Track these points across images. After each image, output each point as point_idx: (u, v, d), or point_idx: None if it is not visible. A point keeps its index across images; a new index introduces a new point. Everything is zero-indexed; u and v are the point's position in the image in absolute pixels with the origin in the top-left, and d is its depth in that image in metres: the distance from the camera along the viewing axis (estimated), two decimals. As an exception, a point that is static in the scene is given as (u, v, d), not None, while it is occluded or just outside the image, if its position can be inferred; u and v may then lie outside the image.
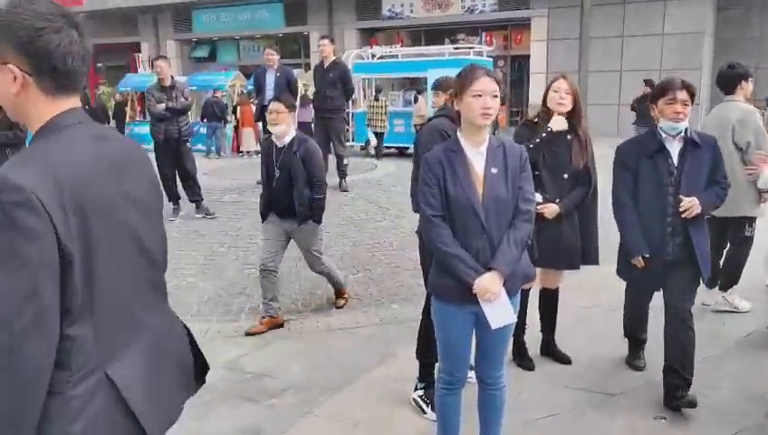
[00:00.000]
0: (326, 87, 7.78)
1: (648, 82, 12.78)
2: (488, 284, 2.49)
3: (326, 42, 8.08)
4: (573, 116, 3.80)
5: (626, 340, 4.14)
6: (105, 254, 1.43)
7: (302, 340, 4.69)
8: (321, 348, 4.50)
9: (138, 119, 19.11)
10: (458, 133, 2.67)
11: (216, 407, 3.65)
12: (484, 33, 20.91)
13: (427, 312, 3.56)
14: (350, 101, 10.57)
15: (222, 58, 25.23)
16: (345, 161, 8.13)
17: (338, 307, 5.24)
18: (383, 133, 13.61)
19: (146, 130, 18.05)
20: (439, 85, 4.26)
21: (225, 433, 3.40)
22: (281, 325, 4.85)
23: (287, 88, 8.20)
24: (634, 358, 4.05)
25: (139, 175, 1.60)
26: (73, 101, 1.49)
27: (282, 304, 5.29)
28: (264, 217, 4.96)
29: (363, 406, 3.63)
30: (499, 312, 2.55)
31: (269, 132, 5.09)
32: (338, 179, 8.16)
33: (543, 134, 3.71)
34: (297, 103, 8.63)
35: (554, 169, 3.74)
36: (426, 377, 3.56)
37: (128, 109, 19.10)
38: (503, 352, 2.77)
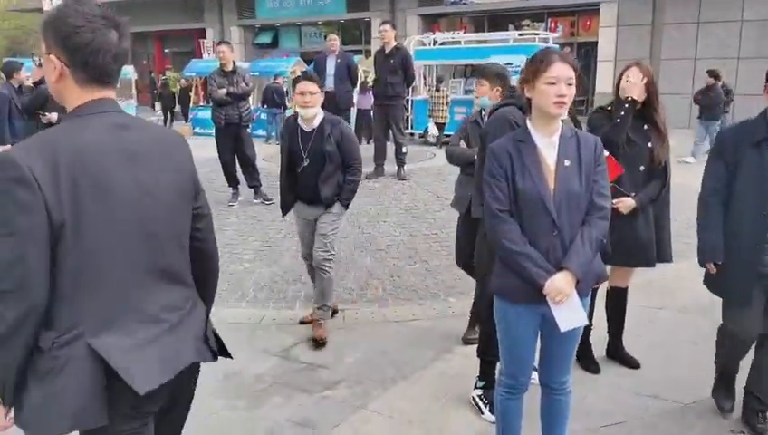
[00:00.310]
0: (387, 73, 7.65)
1: (711, 73, 12.09)
2: (561, 285, 2.32)
3: (387, 27, 7.94)
4: (649, 105, 3.55)
5: (698, 348, 3.88)
6: (98, 231, 1.56)
7: (356, 331, 4.61)
8: (375, 340, 4.40)
9: (201, 104, 19.47)
10: (528, 122, 2.50)
11: (270, 396, 3.61)
12: (549, 19, 20.28)
13: (489, 309, 3.42)
14: (410, 89, 10.38)
15: (284, 44, 25.40)
16: (404, 149, 8.00)
17: (320, 340, 4.27)
18: (444, 124, 13.38)
19: (209, 114, 18.55)
20: (482, 72, 4.10)
21: (278, 423, 3.35)
22: (335, 313, 4.75)
23: (347, 74, 8.13)
24: (723, 396, 3.36)
25: (157, 165, 1.69)
26: (105, 93, 1.66)
27: (336, 294, 5.23)
28: (286, 208, 4.50)
29: (418, 403, 3.52)
30: (569, 314, 2.38)
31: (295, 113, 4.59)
32: (396, 167, 8.05)
33: (626, 105, 3.47)
34: (356, 90, 8.60)
35: (631, 161, 3.50)
36: (486, 376, 3.42)
37: (192, 94, 19.45)
38: (570, 356, 2.60)
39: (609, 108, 3.68)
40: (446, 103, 13.36)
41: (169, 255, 1.74)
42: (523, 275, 2.38)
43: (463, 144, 4.28)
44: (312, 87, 4.23)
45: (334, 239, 4.47)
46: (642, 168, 3.56)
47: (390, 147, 8.23)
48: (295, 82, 4.41)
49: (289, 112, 16.55)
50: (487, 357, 3.42)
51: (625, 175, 3.49)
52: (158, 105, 22.45)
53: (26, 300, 1.50)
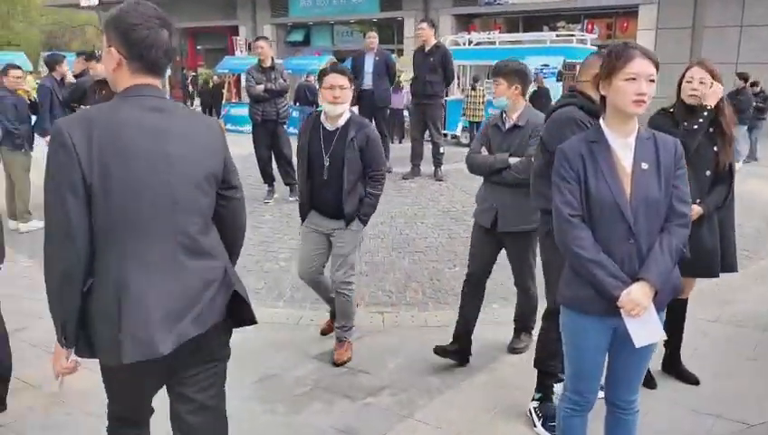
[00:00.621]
0: (426, 72, 7.49)
1: (741, 76, 11.76)
2: (638, 297, 2.16)
3: (425, 25, 7.78)
4: (715, 107, 3.35)
5: (759, 365, 3.67)
6: (123, 195, 1.80)
7: (396, 335, 4.48)
8: (417, 345, 4.26)
9: (233, 100, 19.55)
10: (602, 121, 2.34)
11: (311, 401, 3.50)
12: (586, 21, 19.95)
13: (547, 318, 3.26)
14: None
15: (316, 42, 25.40)
16: (441, 150, 7.84)
17: (338, 364, 3.95)
18: (479, 123, 13.19)
19: (241, 111, 18.57)
20: (498, 71, 3.76)
21: (320, 430, 3.23)
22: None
23: (385, 71, 7.99)
24: None
25: (184, 144, 1.90)
26: (150, 81, 1.91)
27: (374, 296, 5.11)
28: (304, 216, 4.07)
29: (466, 413, 3.37)
30: (646, 329, 2.21)
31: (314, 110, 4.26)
32: (433, 168, 7.89)
33: (705, 112, 3.29)
34: (391, 88, 8.46)
35: (697, 166, 3.30)
36: (544, 388, 3.26)
37: (224, 91, 19.53)
38: (641, 373, 2.43)
39: (672, 110, 3.50)
40: (482, 103, 13.17)
41: (191, 225, 1.93)
42: (595, 284, 2.22)
43: (484, 151, 3.84)
44: (343, 80, 3.75)
45: (355, 259, 4.08)
46: (708, 172, 3.38)
47: (427, 147, 8.08)
48: (322, 75, 3.89)
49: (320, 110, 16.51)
50: (545, 368, 3.26)
51: (691, 180, 3.29)
52: (196, 101, 22.63)
53: (71, 249, 1.79)
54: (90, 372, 3.62)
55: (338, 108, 3.75)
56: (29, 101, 7.16)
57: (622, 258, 2.22)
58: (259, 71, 7.24)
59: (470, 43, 15.39)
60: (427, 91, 7.53)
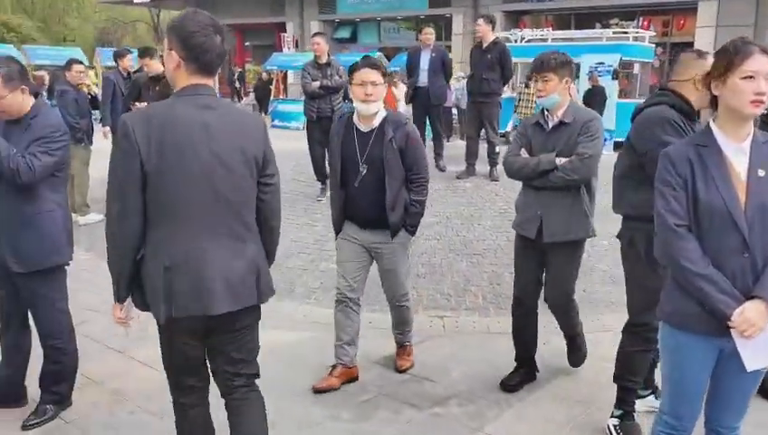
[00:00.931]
0: (483, 69, 7.30)
1: None
2: (753, 316, 1.98)
3: (482, 21, 7.59)
4: None
5: None
6: (174, 182, 2.10)
7: (458, 341, 4.33)
8: (481, 353, 4.12)
9: (281, 97, 19.64)
10: (712, 124, 2.15)
11: (376, 409, 3.38)
12: (641, 18, 19.36)
13: (628, 331, 3.08)
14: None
15: (363, 39, 25.32)
16: (497, 149, 7.64)
17: (401, 370, 3.80)
18: (531, 121, 12.91)
19: (289, 108, 18.68)
20: (545, 65, 3.30)
21: (387, 440, 3.12)
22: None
23: (441, 68, 7.83)
24: None
25: (229, 139, 2.18)
26: (205, 81, 2.19)
27: (433, 299, 4.98)
28: (338, 229, 3.70)
29: (538, 428, 3.22)
30: (759, 351, 2.03)
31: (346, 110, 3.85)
32: (488, 168, 7.70)
33: None
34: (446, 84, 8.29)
35: None
36: (624, 404, 3.08)
37: (272, 87, 19.63)
38: (748, 398, 2.24)
39: None
40: (535, 101, 12.88)
41: (233, 210, 2.20)
42: (703, 301, 2.04)
43: (524, 153, 3.43)
44: (375, 76, 3.36)
45: (407, 274, 3.75)
46: None
47: (482, 146, 7.89)
48: (352, 70, 3.46)
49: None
50: (625, 384, 3.08)
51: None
52: (249, 97, 22.88)
53: (132, 220, 2.12)
54: (153, 371, 3.58)
55: (371, 106, 3.37)
56: (89, 96, 7.26)
57: (734, 273, 2.04)
58: (315, 67, 7.16)
59: (522, 39, 15.06)
60: (484, 88, 7.34)
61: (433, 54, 7.77)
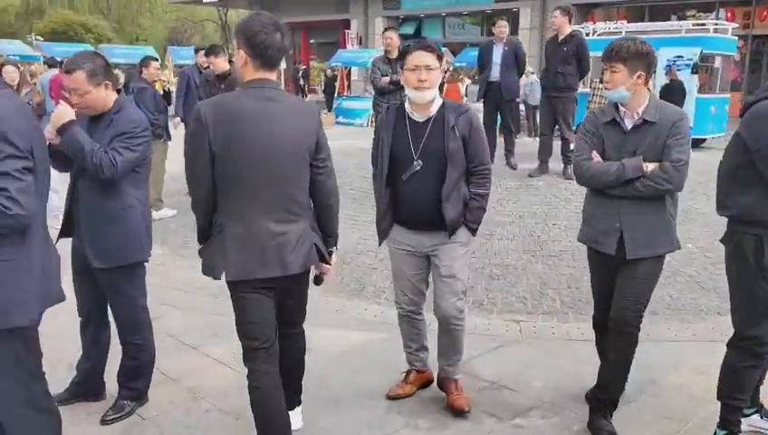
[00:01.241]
0: (559, 63, 7.02)
1: None
2: None
3: (558, 13, 7.31)
4: None
5: None
6: (237, 163, 2.43)
7: (537, 347, 4.13)
8: (562, 361, 3.91)
9: (345, 93, 19.69)
10: None
11: (455, 418, 3.23)
12: (721, 10, 18.42)
13: (733, 345, 2.83)
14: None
15: (428, 35, 25.02)
16: (572, 146, 7.33)
17: (461, 411, 3.23)
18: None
19: (353, 104, 18.71)
20: (615, 54, 2.85)
21: (468, 451, 2.97)
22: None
23: (514, 63, 7.59)
24: None
25: (287, 127, 2.49)
26: (268, 75, 2.49)
27: (508, 303, 4.79)
28: (385, 233, 3.24)
29: (631, 446, 3.00)
30: None
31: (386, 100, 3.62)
32: (562, 165, 7.43)
33: None
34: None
35: None
36: (729, 424, 2.84)
37: (337, 84, 19.70)
38: None
39: None
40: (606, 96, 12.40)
41: (287, 188, 2.53)
42: None
43: (596, 156, 2.96)
44: (430, 59, 2.98)
45: (466, 280, 3.25)
46: None
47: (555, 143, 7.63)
48: (404, 54, 3.07)
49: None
50: (732, 401, 2.83)
51: None
52: (318, 95, 23.21)
53: (201, 188, 2.51)
54: (228, 369, 3.53)
55: (426, 93, 3.00)
56: (162, 92, 7.41)
57: None
58: (385, 62, 7.05)
59: (594, 33, 14.54)
60: (559, 83, 7.07)
61: (506, 48, 7.55)
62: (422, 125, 3.07)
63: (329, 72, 20.59)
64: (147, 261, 3.17)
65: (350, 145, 9.48)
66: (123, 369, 3.23)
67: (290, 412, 2.77)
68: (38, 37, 28.48)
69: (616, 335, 3.02)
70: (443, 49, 15.40)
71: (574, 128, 12.46)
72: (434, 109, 3.07)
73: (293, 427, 2.79)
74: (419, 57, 2.98)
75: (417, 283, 3.26)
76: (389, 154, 3.09)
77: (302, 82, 25.36)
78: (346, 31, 24.11)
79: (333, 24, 26.18)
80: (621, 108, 2.94)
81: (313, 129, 2.57)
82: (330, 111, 19.31)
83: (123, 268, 3.02)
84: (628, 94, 2.87)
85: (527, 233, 5.95)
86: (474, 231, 3.16)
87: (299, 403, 3.06)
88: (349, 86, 20.61)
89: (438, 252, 3.12)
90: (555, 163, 7.65)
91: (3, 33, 30.44)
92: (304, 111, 2.61)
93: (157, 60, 7.14)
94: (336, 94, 19.50)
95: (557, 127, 7.50)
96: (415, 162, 3.03)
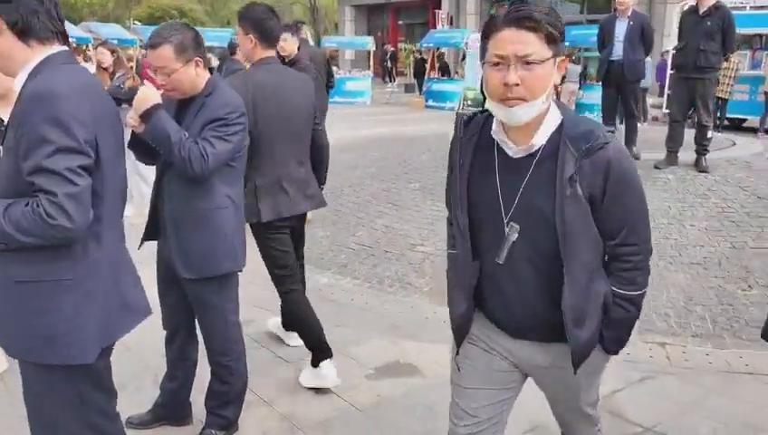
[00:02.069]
0: (700, 38, 6.05)
1: None
2: None
3: (697, -20, 6.34)
4: None
5: None
6: (266, 125, 3.00)
7: (692, 381, 3.41)
8: (728, 400, 3.18)
9: (435, 76, 18.94)
10: None
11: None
12: None
13: None
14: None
15: (521, 13, 23.98)
16: (709, 134, 6.40)
17: None
18: (726, 99, 11.19)
19: (444, 87, 17.96)
20: None
21: None
22: None
23: (640, 39, 6.69)
24: None
25: (294, 93, 3.14)
26: (271, 53, 3.13)
27: (648, 321, 4.04)
28: (462, 333, 1.89)
29: None
30: None
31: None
32: (695, 156, 6.49)
33: None
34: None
35: None
36: None
37: (427, 66, 19.01)
38: None
39: None
40: (734, 77, 11.13)
41: (301, 145, 3.22)
42: None
43: None
44: (532, 43, 1.56)
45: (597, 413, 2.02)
46: None
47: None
48: (487, 33, 1.62)
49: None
50: None
51: None
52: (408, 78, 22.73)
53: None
54: (331, 399, 2.97)
55: (520, 111, 1.60)
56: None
57: None
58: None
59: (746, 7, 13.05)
60: (700, 62, 6.09)
61: (631, 23, 6.65)
62: (519, 163, 1.70)
63: (417, 53, 19.90)
64: (240, 271, 2.70)
65: (435, 131, 8.85)
66: (211, 393, 2.78)
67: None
68: (136, 22, 29.35)
69: None
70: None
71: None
72: (541, 137, 1.67)
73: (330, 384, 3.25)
74: (509, 39, 1.57)
75: (492, 404, 1.89)
76: (467, 204, 1.77)
77: (388, 64, 24.76)
78: (436, 11, 23.27)
79: (423, 5, 25.42)
80: None
81: (311, 95, 3.27)
82: (420, 93, 18.65)
83: (213, 279, 2.56)
84: None
85: (661, 235, 5.13)
86: (614, 352, 1.86)
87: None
88: (440, 68, 19.83)
89: (549, 377, 1.90)
90: (684, 153, 6.71)
91: (103, 18, 31.61)
92: (302, 81, 3.27)
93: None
94: (426, 77, 18.78)
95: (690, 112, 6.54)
96: (506, 227, 1.71)
